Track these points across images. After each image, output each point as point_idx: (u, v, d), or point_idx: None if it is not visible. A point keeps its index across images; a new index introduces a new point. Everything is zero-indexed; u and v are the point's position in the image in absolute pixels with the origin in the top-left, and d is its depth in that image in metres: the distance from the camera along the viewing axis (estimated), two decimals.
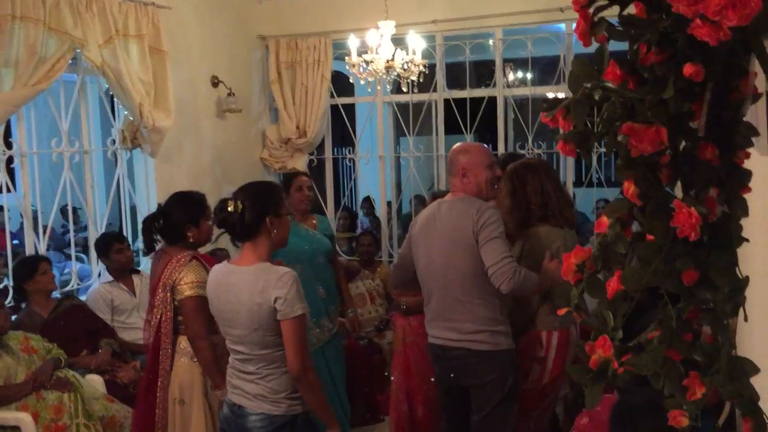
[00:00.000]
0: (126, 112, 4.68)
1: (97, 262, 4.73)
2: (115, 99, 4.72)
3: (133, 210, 5.18)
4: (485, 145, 3.28)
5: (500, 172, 3.16)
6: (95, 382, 3.86)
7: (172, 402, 3.11)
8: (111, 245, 4.47)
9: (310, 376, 2.54)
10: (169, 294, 3.07)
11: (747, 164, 1.12)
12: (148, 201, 5.01)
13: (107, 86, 4.56)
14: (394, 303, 4.22)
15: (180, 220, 3.14)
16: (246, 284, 2.51)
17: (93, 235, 4.76)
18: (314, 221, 4.26)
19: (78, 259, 5.61)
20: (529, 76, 6.78)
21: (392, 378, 3.96)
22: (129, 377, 4.01)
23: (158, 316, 3.11)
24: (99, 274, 4.71)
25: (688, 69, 1.01)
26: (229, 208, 2.55)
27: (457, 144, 3.23)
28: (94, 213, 4.79)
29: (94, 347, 4.09)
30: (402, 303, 3.94)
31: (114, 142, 4.86)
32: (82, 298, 4.54)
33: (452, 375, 3.08)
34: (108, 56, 4.34)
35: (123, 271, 4.51)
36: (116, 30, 4.39)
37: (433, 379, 3.65)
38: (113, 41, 4.36)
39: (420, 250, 3.15)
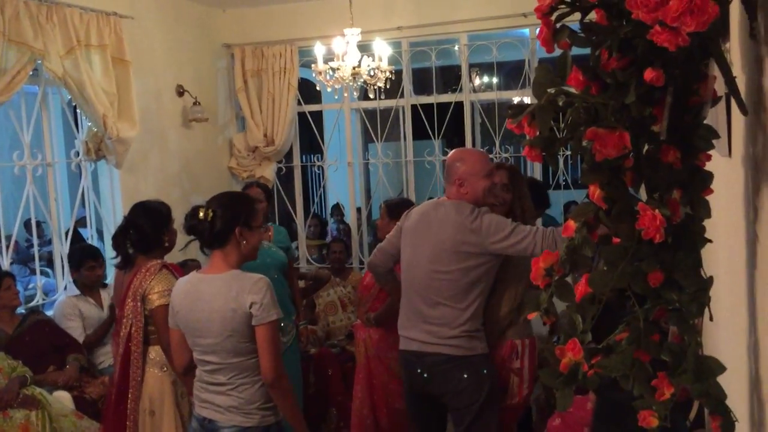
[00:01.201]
0: (90, 124, 4.62)
1: (63, 275, 4.65)
2: (78, 110, 4.65)
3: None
4: (483, 151, 3.21)
5: (499, 178, 3.10)
6: (63, 398, 3.78)
7: (143, 413, 3.09)
8: (84, 261, 4.39)
9: (285, 382, 2.54)
10: (139, 303, 3.05)
11: (708, 166, 1.13)
12: (114, 213, 4.94)
13: (70, 97, 4.49)
14: (359, 312, 4.19)
15: (155, 227, 3.17)
16: (219, 291, 2.50)
17: (58, 248, 4.68)
18: (270, 233, 4.21)
19: (43, 273, 5.51)
20: (494, 80, 6.85)
21: (355, 391, 3.91)
22: (98, 393, 3.94)
23: (128, 327, 3.09)
24: (65, 288, 4.63)
25: (648, 74, 1.02)
26: (200, 216, 2.54)
27: (455, 150, 3.16)
28: (58, 226, 4.71)
29: (61, 363, 4.02)
30: (370, 317, 3.91)
31: (78, 154, 4.78)
32: (48, 313, 4.46)
33: (425, 382, 3.04)
34: (70, 67, 4.28)
35: (92, 287, 4.45)
36: (78, 40, 4.33)
37: (394, 388, 3.66)
38: (75, 52, 4.30)
39: (407, 248, 3.11)
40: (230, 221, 2.55)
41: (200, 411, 2.61)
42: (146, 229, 3.16)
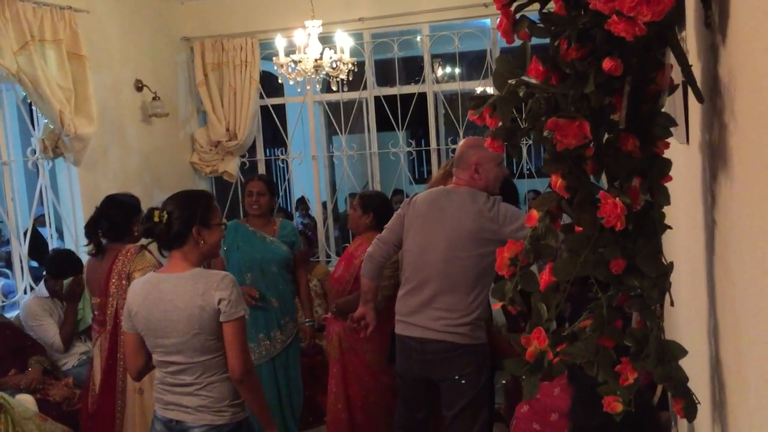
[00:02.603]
0: (46, 121, 4.52)
1: (23, 276, 4.55)
2: (33, 107, 4.55)
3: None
4: None
5: (507, 170, 3.19)
6: (26, 401, 3.70)
7: (132, 391, 3.18)
8: (67, 273, 4.24)
9: (252, 378, 2.54)
10: (125, 282, 3.22)
11: (667, 154, 1.15)
12: (74, 211, 4.84)
13: (24, 94, 4.39)
14: (330, 304, 4.18)
15: (126, 217, 3.39)
16: (183, 289, 2.47)
17: (17, 249, 4.58)
18: (275, 227, 4.14)
19: (1, 274, 5.39)
20: (457, 71, 6.87)
21: (330, 386, 3.89)
22: (61, 395, 3.87)
23: (114, 305, 3.25)
24: (25, 291, 4.53)
25: (607, 64, 1.03)
26: (155, 219, 2.51)
27: (468, 138, 3.24)
28: (16, 226, 4.60)
29: (23, 366, 3.94)
30: (334, 305, 3.91)
31: (35, 152, 4.68)
32: (9, 314, 4.36)
33: (427, 367, 3.07)
34: (24, 63, 4.18)
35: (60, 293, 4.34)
36: (32, 36, 4.23)
37: (369, 381, 3.67)
38: (29, 47, 4.20)
39: (416, 234, 3.11)
40: (186, 221, 2.52)
41: (165, 413, 2.56)
42: (117, 219, 3.37)
